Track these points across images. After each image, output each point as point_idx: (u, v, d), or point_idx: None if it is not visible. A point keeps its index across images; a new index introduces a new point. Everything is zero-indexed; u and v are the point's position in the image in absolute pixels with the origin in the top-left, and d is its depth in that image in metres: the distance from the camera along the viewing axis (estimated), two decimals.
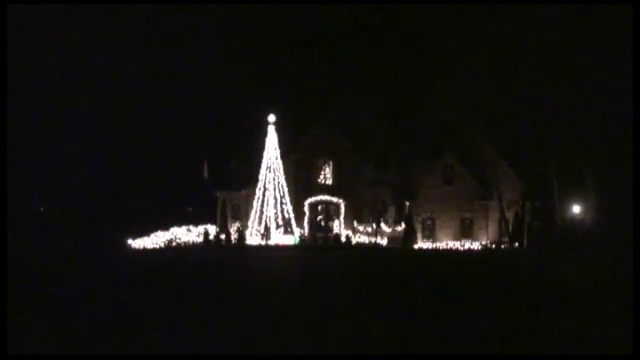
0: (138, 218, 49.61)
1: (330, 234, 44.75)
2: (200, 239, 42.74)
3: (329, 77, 50.70)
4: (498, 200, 43.23)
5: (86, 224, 51.94)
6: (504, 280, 23.36)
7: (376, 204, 44.68)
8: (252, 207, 43.87)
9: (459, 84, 41.19)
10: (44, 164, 56.92)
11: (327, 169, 47.14)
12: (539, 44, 41.00)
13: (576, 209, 43.88)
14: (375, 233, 43.61)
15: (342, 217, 46.26)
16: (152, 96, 57.75)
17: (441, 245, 43.25)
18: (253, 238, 42.52)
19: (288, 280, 22.43)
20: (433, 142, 45.34)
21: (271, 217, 42.95)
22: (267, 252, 35.52)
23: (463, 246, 42.31)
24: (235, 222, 46.08)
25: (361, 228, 45.18)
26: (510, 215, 43.29)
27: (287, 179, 44.09)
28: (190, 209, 57.27)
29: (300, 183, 46.16)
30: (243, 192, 47.00)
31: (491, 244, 43.10)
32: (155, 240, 42.26)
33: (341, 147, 46.02)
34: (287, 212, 43.31)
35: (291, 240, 42.45)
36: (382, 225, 44.49)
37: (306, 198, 46.32)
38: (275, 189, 43.37)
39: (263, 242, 42.08)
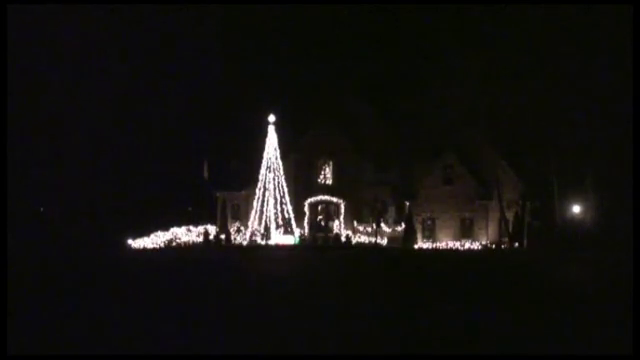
0: (138, 218, 49.62)
1: (330, 234, 44.78)
2: (200, 239, 42.77)
3: (329, 77, 50.67)
4: (498, 200, 43.26)
5: (86, 224, 51.91)
6: (504, 280, 23.37)
7: (376, 204, 44.69)
8: (252, 207, 43.89)
9: (459, 84, 41.20)
10: (44, 164, 56.93)
11: (327, 169, 47.15)
12: (539, 44, 41.00)
13: (576, 209, 43.88)
14: (375, 233, 43.60)
15: (342, 217, 46.27)
16: (152, 96, 57.83)
17: (441, 245, 43.27)
18: (253, 238, 42.53)
19: (288, 280, 22.43)
20: (433, 142, 45.32)
21: (271, 217, 42.96)
22: (267, 252, 35.53)
23: (463, 246, 42.34)
24: (235, 222, 46.09)
25: (361, 228, 45.18)
26: (510, 215, 43.32)
27: (287, 179, 44.11)
28: (190, 209, 57.27)
29: (300, 183, 46.16)
30: (243, 192, 47.02)
31: (491, 244, 43.11)
32: (155, 240, 42.33)
33: (341, 147, 46.02)
34: (287, 212, 43.32)
35: (291, 240, 42.46)
36: (382, 225, 44.48)
37: (306, 198, 46.33)
38: (275, 189, 43.38)
39: (263, 242, 42.10)
